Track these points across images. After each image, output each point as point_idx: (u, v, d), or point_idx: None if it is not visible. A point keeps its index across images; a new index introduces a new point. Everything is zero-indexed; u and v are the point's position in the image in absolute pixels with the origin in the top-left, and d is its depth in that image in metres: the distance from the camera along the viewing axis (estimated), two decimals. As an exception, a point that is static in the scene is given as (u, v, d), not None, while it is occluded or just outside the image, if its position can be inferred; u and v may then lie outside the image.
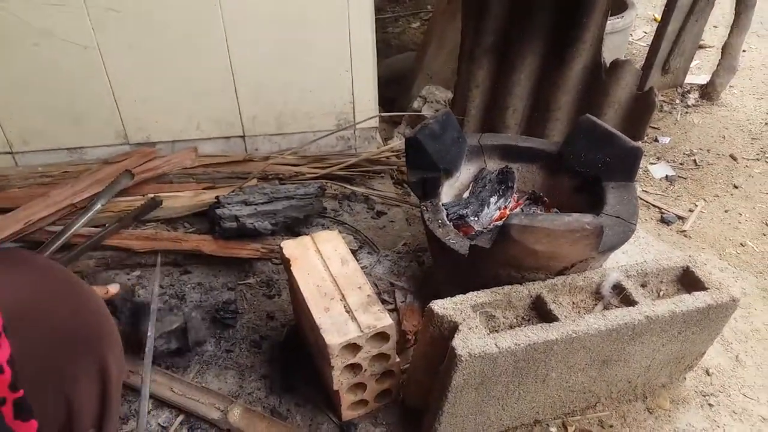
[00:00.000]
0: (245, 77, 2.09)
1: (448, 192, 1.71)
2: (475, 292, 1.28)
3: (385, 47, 3.59)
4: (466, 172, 1.75)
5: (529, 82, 2.15)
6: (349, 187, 2.15)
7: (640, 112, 2.12)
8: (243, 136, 2.24)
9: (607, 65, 2.11)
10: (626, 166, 1.56)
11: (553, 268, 1.33)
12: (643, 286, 1.37)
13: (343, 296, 1.30)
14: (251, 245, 1.78)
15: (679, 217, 2.24)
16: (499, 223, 1.61)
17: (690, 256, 1.41)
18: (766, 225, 2.20)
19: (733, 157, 2.61)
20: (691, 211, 2.27)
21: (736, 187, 2.42)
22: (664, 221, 2.21)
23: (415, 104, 2.62)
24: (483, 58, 2.14)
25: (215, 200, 1.85)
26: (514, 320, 1.29)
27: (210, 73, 2.06)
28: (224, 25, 1.96)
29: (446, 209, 1.61)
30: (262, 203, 1.82)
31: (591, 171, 1.61)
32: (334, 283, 1.34)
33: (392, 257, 1.84)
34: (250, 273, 1.78)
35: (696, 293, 1.31)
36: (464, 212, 1.63)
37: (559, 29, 2.03)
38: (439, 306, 1.23)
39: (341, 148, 2.35)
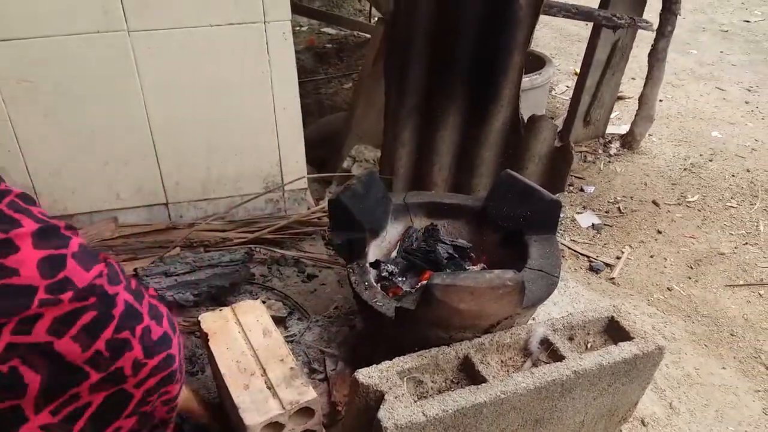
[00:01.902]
0: (166, 144, 2.04)
1: (375, 252, 1.68)
2: (402, 357, 1.24)
3: (318, 108, 3.62)
4: (393, 231, 1.74)
5: (452, 140, 2.18)
6: (278, 251, 2.10)
7: (559, 164, 2.18)
8: (166, 204, 2.17)
9: (525, 121, 2.17)
10: (547, 219, 1.58)
11: (480, 327, 1.31)
12: (571, 339, 1.36)
13: (264, 371, 1.24)
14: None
15: (607, 265, 2.28)
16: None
17: (614, 306, 1.41)
18: (690, 268, 2.26)
19: (655, 203, 2.70)
20: (618, 258, 2.32)
21: (659, 232, 2.50)
22: (592, 269, 2.24)
23: (345, 164, 2.62)
24: (407, 118, 2.17)
25: (134, 273, 1.76)
26: (443, 384, 1.25)
27: (129, 141, 2.00)
28: (143, 92, 1.92)
29: (374, 269, 1.58)
30: (184, 273, 1.75)
31: (514, 225, 1.62)
32: (255, 356, 1.27)
33: (323, 322, 1.79)
34: (171, 349, 1.68)
35: (622, 344, 1.31)
36: (392, 271, 1.61)
37: (478, 88, 2.08)
38: (364, 375, 1.18)
39: (271, 211, 2.31)
